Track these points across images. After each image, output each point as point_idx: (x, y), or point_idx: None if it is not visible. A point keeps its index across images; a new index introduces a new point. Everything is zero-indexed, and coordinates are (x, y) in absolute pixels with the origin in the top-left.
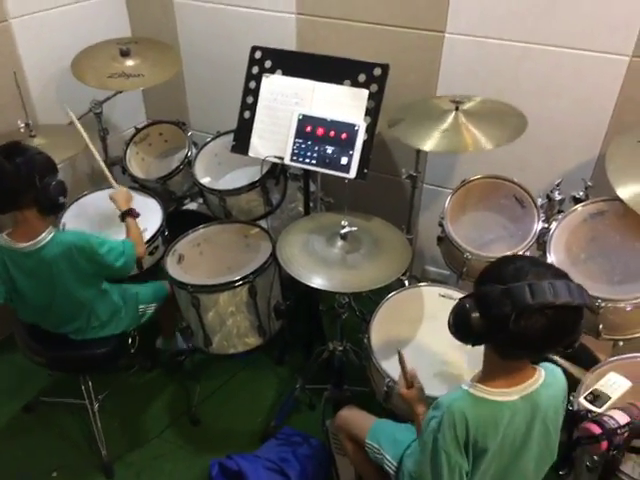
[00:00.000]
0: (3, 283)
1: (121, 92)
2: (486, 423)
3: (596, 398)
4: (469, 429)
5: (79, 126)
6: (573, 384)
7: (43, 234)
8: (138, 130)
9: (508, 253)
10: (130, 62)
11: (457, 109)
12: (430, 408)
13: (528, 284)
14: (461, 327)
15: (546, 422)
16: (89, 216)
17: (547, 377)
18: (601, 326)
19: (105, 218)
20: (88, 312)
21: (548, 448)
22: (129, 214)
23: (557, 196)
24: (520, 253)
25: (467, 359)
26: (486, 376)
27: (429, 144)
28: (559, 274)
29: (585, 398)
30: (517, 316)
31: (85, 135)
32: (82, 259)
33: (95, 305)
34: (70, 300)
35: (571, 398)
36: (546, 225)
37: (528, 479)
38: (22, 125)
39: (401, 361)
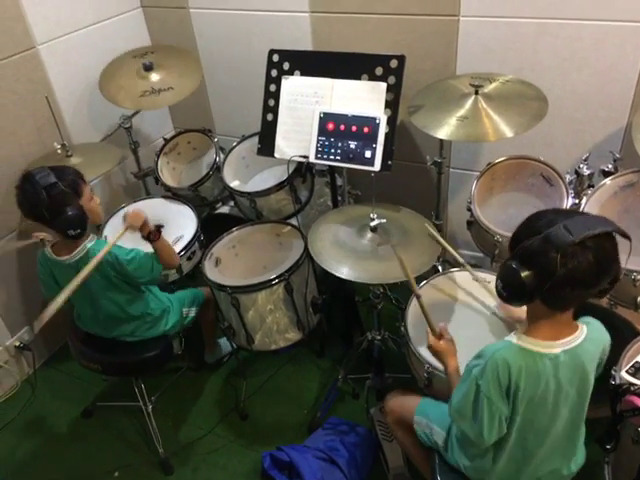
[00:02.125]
0: (58, 290)
1: None
2: (529, 372)
3: (638, 370)
4: (511, 377)
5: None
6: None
7: (79, 248)
8: (167, 140)
9: None
10: (155, 76)
11: (477, 93)
12: (472, 357)
13: (563, 225)
14: (513, 289)
15: (587, 375)
16: None
17: (590, 333)
18: (639, 299)
19: None
20: (141, 310)
21: (585, 398)
22: (149, 238)
23: (586, 171)
24: None
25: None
26: (531, 328)
27: (450, 133)
28: (584, 213)
29: (627, 371)
30: (563, 257)
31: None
32: (110, 271)
33: (144, 303)
34: (113, 304)
35: (613, 372)
36: (576, 201)
37: (565, 429)
38: (58, 147)
39: (422, 309)
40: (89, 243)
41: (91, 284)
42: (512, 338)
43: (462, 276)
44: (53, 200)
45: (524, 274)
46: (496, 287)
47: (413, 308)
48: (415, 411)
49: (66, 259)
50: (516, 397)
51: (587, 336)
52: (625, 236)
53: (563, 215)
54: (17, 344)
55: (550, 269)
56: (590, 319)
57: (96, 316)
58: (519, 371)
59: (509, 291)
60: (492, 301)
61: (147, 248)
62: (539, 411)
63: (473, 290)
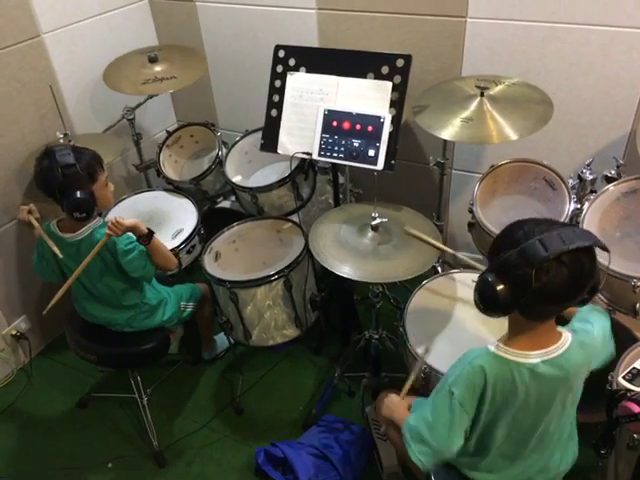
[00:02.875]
0: (56, 265)
1: (152, 97)
2: (504, 381)
3: (635, 377)
4: (487, 385)
5: None
6: None
7: (83, 229)
8: (170, 133)
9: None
10: (159, 67)
11: (482, 95)
12: (451, 366)
13: (538, 239)
14: (488, 301)
15: (571, 384)
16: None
17: (577, 340)
18: (638, 305)
19: (144, 221)
20: (137, 298)
21: (572, 406)
22: (143, 240)
23: (588, 176)
24: None
25: None
26: (510, 338)
27: (454, 134)
28: (565, 224)
29: (624, 377)
30: (537, 272)
31: None
32: (109, 255)
33: (141, 291)
34: (109, 289)
35: (610, 378)
36: (578, 205)
37: (550, 438)
38: (61, 136)
39: (416, 370)
40: (95, 225)
41: (90, 267)
42: (490, 346)
43: (461, 277)
44: (67, 180)
45: (499, 288)
46: (474, 298)
47: (412, 308)
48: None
49: (69, 237)
50: (493, 406)
51: (572, 344)
52: (604, 249)
53: (542, 227)
54: (14, 333)
55: (524, 284)
56: (581, 325)
57: (93, 297)
58: (494, 380)
59: (484, 303)
60: None
61: None
62: (521, 418)
63: (471, 290)
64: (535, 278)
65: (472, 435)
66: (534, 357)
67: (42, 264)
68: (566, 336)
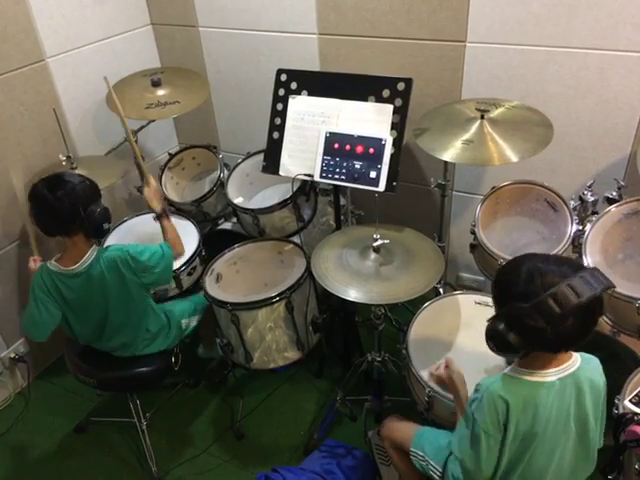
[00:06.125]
0: (59, 308)
1: (154, 120)
2: (526, 404)
3: None
4: (510, 410)
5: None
6: None
7: (87, 254)
8: (172, 155)
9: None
10: (162, 92)
11: (482, 117)
12: (473, 392)
13: (551, 296)
14: (503, 348)
15: (584, 405)
16: (130, 241)
17: (583, 361)
18: None
19: (145, 242)
20: (140, 323)
21: (586, 427)
22: (163, 215)
23: (590, 197)
24: None
25: (507, 366)
26: (523, 359)
27: (455, 156)
28: (573, 266)
29: (631, 400)
30: (553, 326)
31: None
32: (127, 271)
33: (145, 317)
34: (122, 311)
35: (616, 401)
36: (580, 227)
37: (569, 461)
38: (64, 158)
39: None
40: (96, 249)
41: (106, 290)
42: (506, 370)
43: (464, 299)
44: (85, 194)
45: (512, 337)
46: (487, 344)
47: (414, 330)
48: (412, 442)
49: (75, 268)
50: (518, 429)
51: (582, 364)
52: (610, 287)
53: (551, 275)
54: (12, 356)
55: (539, 337)
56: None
57: (103, 323)
58: (516, 403)
59: (499, 350)
60: None
61: None
62: (538, 442)
63: (475, 313)
64: (550, 331)
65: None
66: (551, 375)
67: (40, 315)
68: (575, 355)
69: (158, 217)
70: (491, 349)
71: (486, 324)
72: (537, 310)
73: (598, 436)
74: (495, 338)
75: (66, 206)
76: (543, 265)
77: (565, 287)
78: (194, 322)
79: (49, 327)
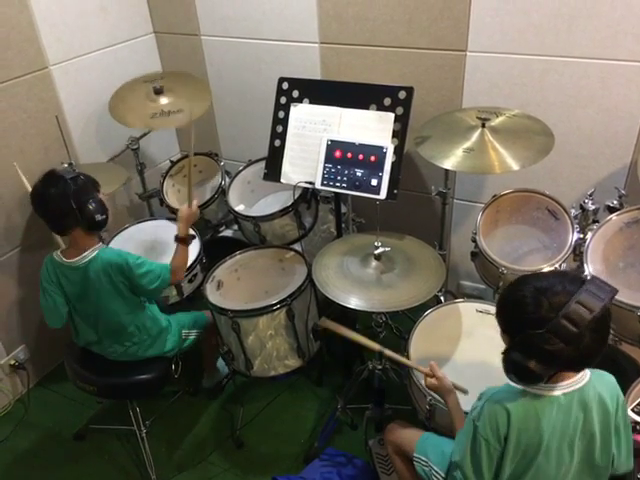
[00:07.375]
0: (64, 297)
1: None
2: (528, 415)
3: None
4: (511, 420)
5: None
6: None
7: (88, 251)
8: (173, 163)
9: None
10: (165, 99)
11: (483, 126)
12: (477, 398)
13: (564, 316)
14: (526, 378)
15: (591, 422)
16: (131, 248)
17: (593, 377)
18: None
19: (146, 250)
20: (138, 326)
21: (593, 445)
22: (184, 241)
23: (590, 206)
24: (549, 268)
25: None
26: None
27: (456, 164)
28: (573, 281)
29: (633, 410)
30: (570, 345)
31: None
32: (119, 276)
33: (142, 319)
34: (113, 314)
35: None
36: (581, 235)
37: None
38: (65, 165)
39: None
40: (97, 247)
41: (99, 290)
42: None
43: (465, 307)
44: (80, 188)
45: (533, 365)
46: (507, 376)
47: (416, 338)
48: (416, 447)
49: (76, 260)
50: (520, 441)
51: (591, 380)
52: (615, 293)
53: (557, 294)
54: (12, 363)
55: (562, 358)
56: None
57: (96, 323)
58: (517, 414)
59: (521, 379)
60: (495, 333)
61: None
62: (542, 458)
63: (477, 321)
64: (570, 350)
65: None
66: (556, 389)
67: (47, 303)
68: (584, 371)
69: (178, 239)
70: (514, 382)
71: (488, 334)
72: (554, 333)
73: (608, 456)
74: (516, 370)
75: (59, 201)
76: (545, 285)
77: (575, 305)
78: (192, 335)
79: (60, 314)
